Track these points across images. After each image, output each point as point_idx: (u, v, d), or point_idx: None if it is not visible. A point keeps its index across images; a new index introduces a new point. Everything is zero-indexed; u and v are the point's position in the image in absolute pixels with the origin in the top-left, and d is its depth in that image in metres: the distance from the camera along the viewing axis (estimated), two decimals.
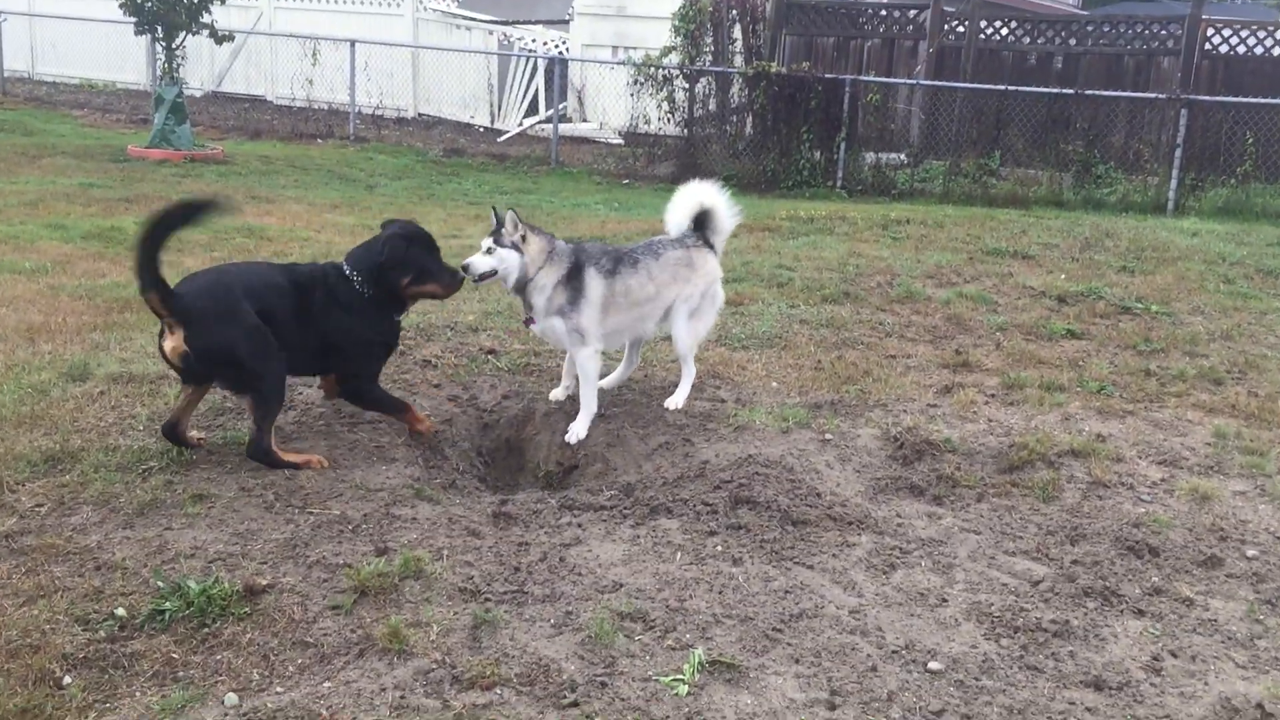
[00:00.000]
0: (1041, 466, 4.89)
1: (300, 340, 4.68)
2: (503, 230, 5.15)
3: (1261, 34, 16.63)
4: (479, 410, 5.46)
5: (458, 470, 4.99)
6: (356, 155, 17.27)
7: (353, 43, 19.33)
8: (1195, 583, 3.91)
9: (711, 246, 5.64)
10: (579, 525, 4.18)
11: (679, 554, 3.96)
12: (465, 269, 5.11)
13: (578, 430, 5.21)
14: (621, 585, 3.71)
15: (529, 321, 5.35)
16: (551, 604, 3.56)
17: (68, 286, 7.42)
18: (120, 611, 3.42)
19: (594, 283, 5.26)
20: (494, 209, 5.20)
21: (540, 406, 5.47)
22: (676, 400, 5.53)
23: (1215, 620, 3.63)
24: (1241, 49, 16.59)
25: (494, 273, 5.14)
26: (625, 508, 4.35)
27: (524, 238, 5.16)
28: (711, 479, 4.58)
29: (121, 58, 22.74)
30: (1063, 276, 8.84)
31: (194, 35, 15.83)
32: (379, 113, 20.94)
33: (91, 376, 5.49)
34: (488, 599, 3.57)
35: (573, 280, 5.24)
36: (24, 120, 18.55)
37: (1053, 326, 7.29)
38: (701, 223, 5.62)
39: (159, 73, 15.54)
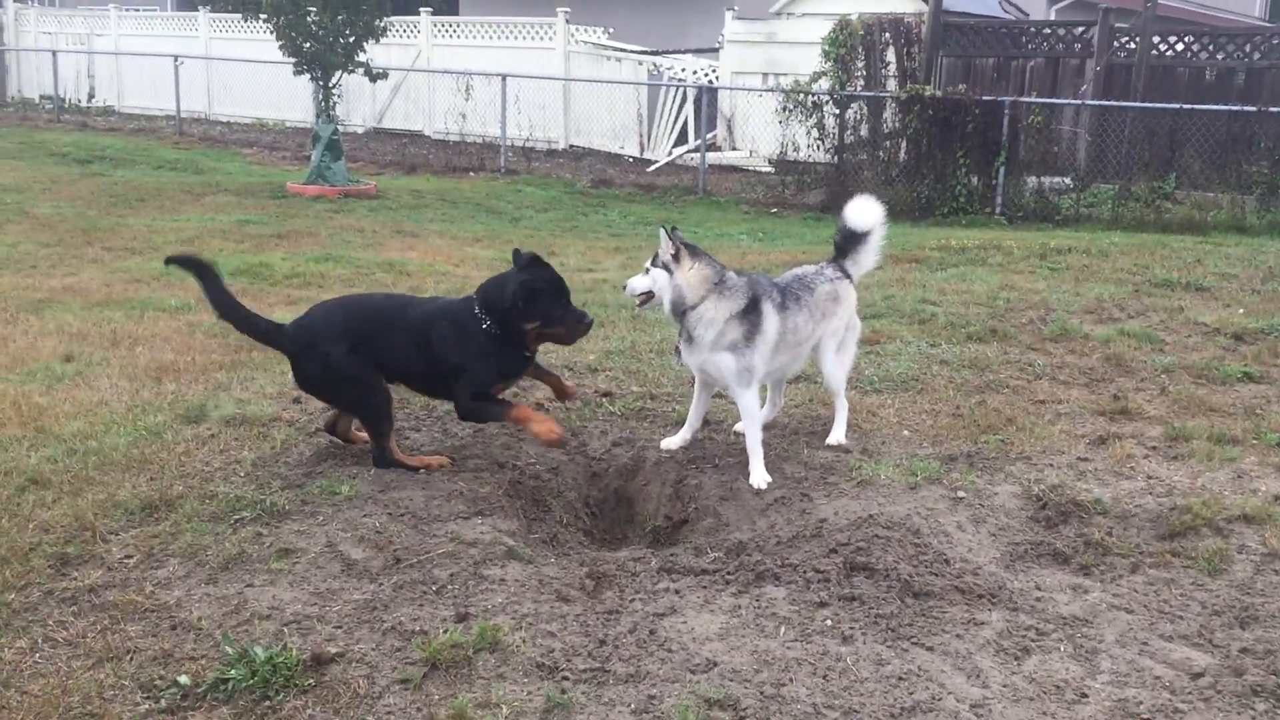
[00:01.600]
0: (1208, 534, 4.32)
1: (420, 367, 4.95)
2: (659, 250, 4.98)
3: None
4: (588, 458, 5.20)
5: (561, 523, 4.74)
6: (505, 188, 17.41)
7: (504, 76, 19.56)
8: None
9: (849, 276, 5.40)
10: (677, 592, 3.85)
11: (783, 628, 3.59)
12: (625, 288, 5.18)
13: (756, 479, 4.86)
14: (715, 664, 3.36)
15: (677, 352, 5.14)
16: (634, 685, 3.24)
17: (205, 324, 7.51)
18: (184, 679, 3.26)
19: (771, 319, 4.98)
20: (662, 228, 5.00)
21: (651, 455, 5.18)
22: (837, 436, 5.32)
23: None
24: None
25: (650, 295, 5.00)
26: (729, 572, 4.01)
27: (676, 258, 4.91)
28: (827, 540, 4.18)
29: (290, 97, 23.64)
30: (1241, 311, 8.07)
31: (350, 74, 16.25)
32: (530, 145, 21.13)
33: (207, 419, 5.46)
34: (565, 677, 3.28)
35: (749, 315, 4.94)
36: (196, 159, 19.40)
37: (1227, 369, 6.59)
38: (846, 248, 5.41)
39: (316, 111, 15.97)
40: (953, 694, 3.23)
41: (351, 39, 15.72)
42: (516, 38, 23.41)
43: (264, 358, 6.59)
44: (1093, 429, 5.57)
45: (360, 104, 24.29)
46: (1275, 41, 16.76)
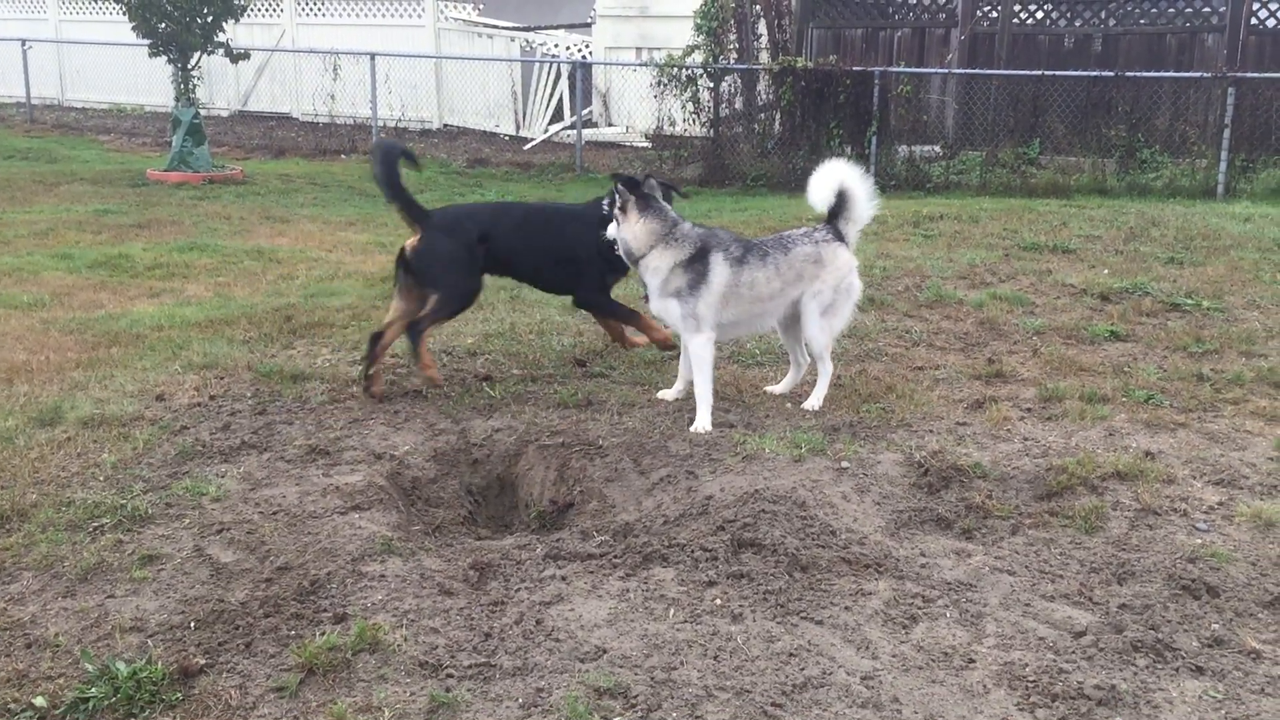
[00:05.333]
0: (1083, 492, 4.41)
1: (547, 262, 5.90)
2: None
3: None
4: (469, 444, 5.07)
5: (443, 513, 4.61)
6: None
7: (372, 55, 19.05)
8: (1262, 629, 3.42)
9: (843, 238, 5.43)
10: (563, 578, 3.76)
11: (672, 610, 3.53)
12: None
13: (700, 424, 5.06)
14: (604, 651, 3.29)
15: (646, 298, 5.41)
16: (522, 678, 3.15)
17: (60, 321, 7.13)
18: (40, 701, 3.06)
19: (718, 270, 5.15)
20: (613, 179, 5.29)
21: (535, 438, 5.07)
22: (814, 402, 5.41)
23: None
24: None
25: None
26: (616, 555, 3.93)
27: (623, 210, 5.19)
28: (714, 518, 4.14)
29: (148, 80, 22.62)
30: (1106, 272, 8.30)
31: (209, 55, 15.63)
32: (402, 125, 20.66)
33: (62, 420, 5.17)
34: (450, 674, 3.16)
35: (695, 264, 5.14)
36: (49, 148, 18.47)
37: (1095, 328, 6.76)
38: (837, 210, 5.43)
39: (175, 95, 15.33)
40: (843, 667, 3.21)
41: (209, 18, 15.09)
42: (385, 15, 22.85)
43: (124, 354, 6.29)
44: (970, 393, 5.64)
45: (223, 86, 23.44)
46: (1129, 8, 17.31)
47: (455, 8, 22.09)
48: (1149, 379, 5.84)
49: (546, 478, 4.88)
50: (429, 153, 18.90)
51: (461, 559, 3.97)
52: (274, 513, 4.21)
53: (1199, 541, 3.97)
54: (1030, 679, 3.14)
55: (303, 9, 23.81)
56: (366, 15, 23.04)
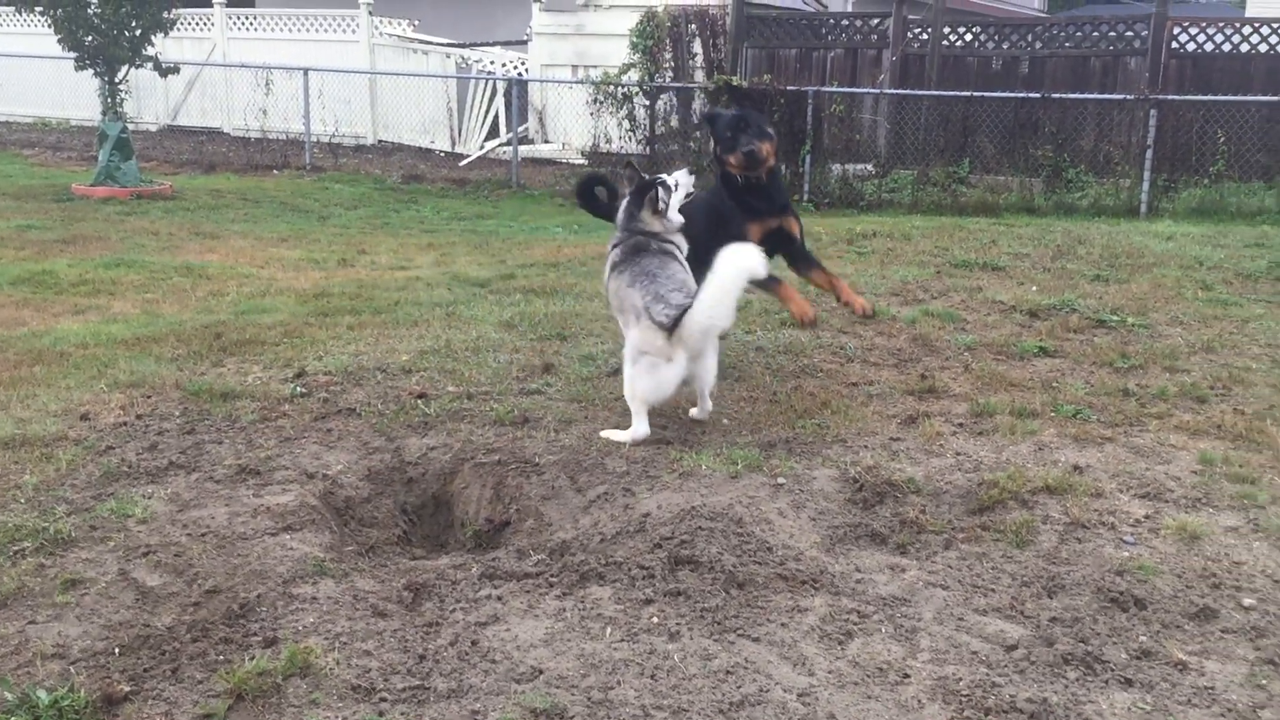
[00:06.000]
0: (1014, 506, 4.47)
1: None
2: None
3: (1229, 30, 16.38)
4: (403, 463, 5.01)
5: (377, 533, 4.55)
6: (311, 185, 16.82)
7: (306, 70, 18.88)
8: (1188, 641, 3.49)
9: None
10: (499, 598, 3.73)
11: (609, 629, 3.51)
12: None
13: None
14: (541, 672, 3.26)
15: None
16: (457, 701, 3.11)
17: None
18: None
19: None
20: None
21: (471, 456, 5.03)
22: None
23: (1212, 688, 3.20)
24: (1209, 46, 16.33)
25: None
26: (553, 574, 3.90)
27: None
28: (651, 535, 4.13)
29: (74, 94, 22.20)
30: (1034, 289, 8.45)
31: (138, 69, 15.38)
32: (336, 140, 20.47)
33: None
34: (383, 698, 3.11)
35: None
36: None
37: (1024, 344, 6.88)
38: None
39: (103, 109, 15.04)
40: (779, 684, 3.21)
41: (138, 31, 14.84)
42: (318, 30, 22.67)
43: (47, 372, 6.14)
44: (903, 409, 5.70)
45: (152, 100, 23.09)
46: (1055, 31, 17.71)
47: (390, 24, 21.98)
48: (1077, 394, 5.95)
49: (482, 496, 4.84)
50: (363, 169, 18.77)
51: (396, 580, 3.92)
52: (202, 534, 4.12)
53: (1126, 554, 4.04)
54: (964, 693, 3.17)
55: (234, 24, 23.55)
56: (299, 30, 22.85)
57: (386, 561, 4.27)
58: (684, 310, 4.94)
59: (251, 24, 23.55)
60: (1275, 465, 4.92)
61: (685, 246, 5.54)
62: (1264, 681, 3.25)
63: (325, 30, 22.55)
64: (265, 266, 9.87)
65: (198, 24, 23.52)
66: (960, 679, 3.24)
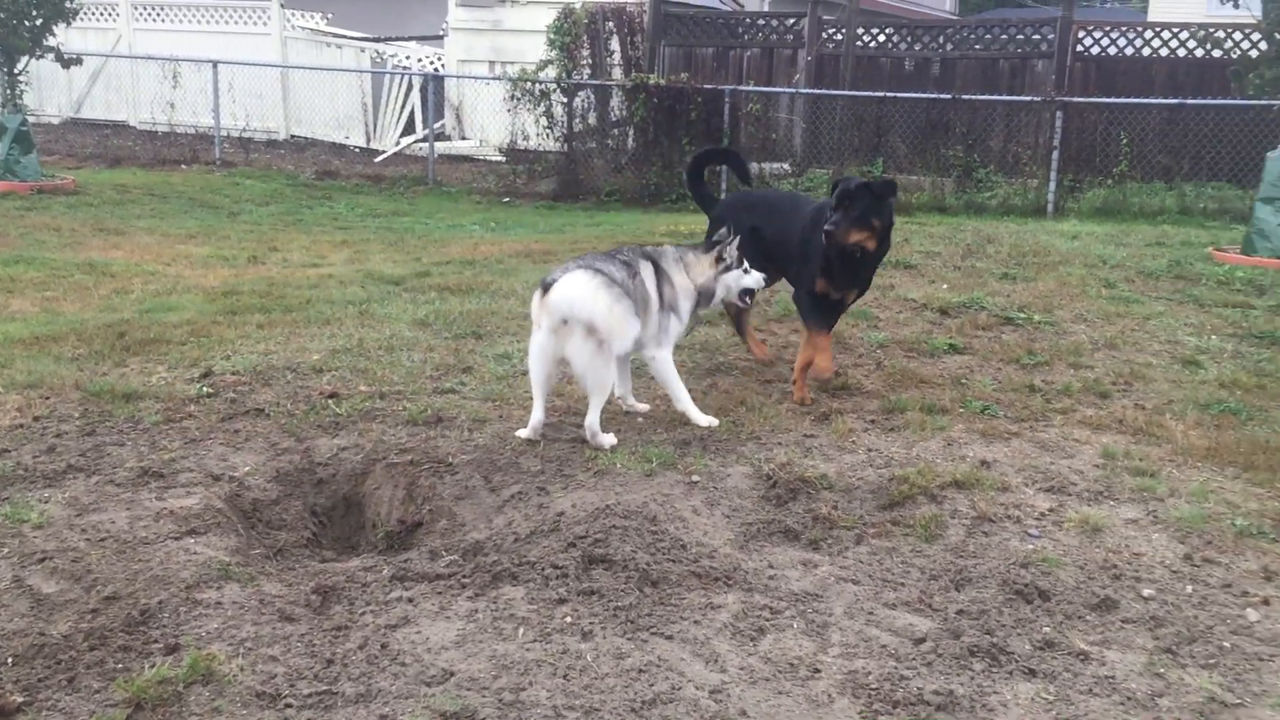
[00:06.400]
0: (924, 501, 4.53)
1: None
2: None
3: (1131, 34, 16.83)
4: (313, 464, 4.92)
5: (285, 535, 4.46)
6: (222, 181, 16.46)
7: (215, 63, 18.46)
8: (1090, 631, 3.57)
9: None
10: (410, 600, 3.68)
11: (521, 630, 3.49)
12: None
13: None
14: (451, 674, 3.22)
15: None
16: (365, 705, 3.06)
17: None
18: None
19: None
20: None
21: (383, 456, 4.96)
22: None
23: (1113, 677, 3.28)
24: (1112, 50, 16.76)
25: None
26: (465, 575, 3.87)
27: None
28: (565, 534, 4.11)
29: None
30: (945, 287, 8.60)
31: (39, 59, 14.93)
32: (247, 135, 20.09)
33: None
34: (289, 704, 3.05)
35: None
36: None
37: (934, 342, 6.99)
38: None
39: (2, 100, 14.55)
40: (692, 681, 3.22)
41: (39, 21, 14.41)
42: (228, 22, 22.21)
43: None
44: (816, 406, 5.76)
45: (54, 92, 22.44)
46: (965, 33, 18.04)
47: (303, 17, 21.61)
48: (985, 390, 6.06)
49: (395, 496, 4.77)
50: (275, 164, 18.44)
51: (304, 583, 3.85)
52: (101, 539, 4.00)
53: (1031, 547, 4.12)
54: (873, 687, 3.20)
55: (140, 14, 22.97)
56: (208, 22, 22.38)
57: (295, 564, 4.19)
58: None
59: (159, 15, 22.99)
60: (1174, 458, 5.06)
61: (686, 319, 5.55)
62: (1162, 670, 3.33)
63: (235, 22, 22.10)
64: (172, 264, 9.64)
65: (102, 14, 22.90)
66: (870, 673, 3.28)
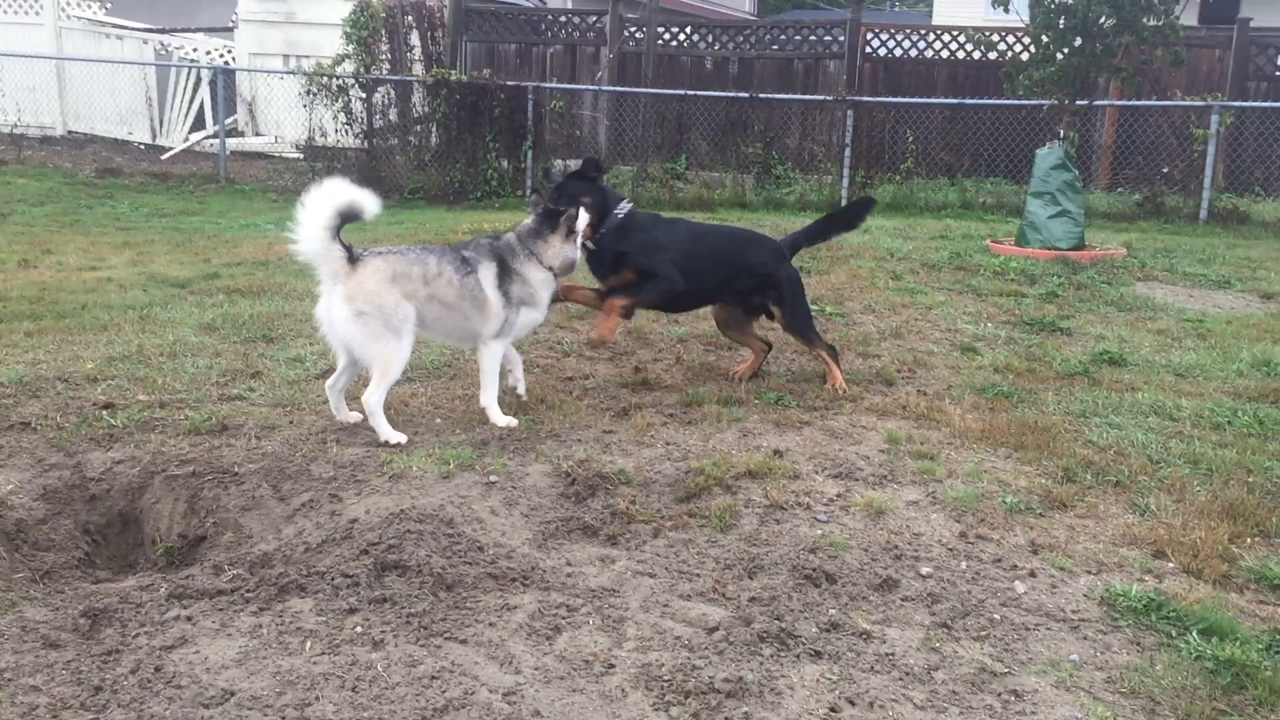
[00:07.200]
0: (719, 492, 4.61)
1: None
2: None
3: (915, 37, 17.61)
4: (85, 479, 4.64)
5: (54, 556, 4.19)
6: None
7: None
8: (872, 611, 3.70)
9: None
10: (189, 619, 3.50)
11: (309, 643, 3.37)
12: None
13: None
14: (232, 694, 3.08)
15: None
16: None
17: None
18: None
19: None
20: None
21: (163, 468, 4.71)
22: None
23: (893, 654, 3.41)
24: (898, 51, 17.51)
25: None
26: (249, 589, 3.71)
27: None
28: (358, 542, 4.00)
29: None
30: None
31: None
32: (19, 131, 18.84)
33: None
34: None
35: None
36: None
37: None
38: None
39: None
40: (485, 685, 3.17)
41: None
42: None
43: None
44: (617, 402, 5.79)
45: None
46: (762, 34, 18.53)
47: (79, 6, 20.41)
48: (778, 381, 6.22)
49: (175, 510, 4.54)
50: (51, 162, 17.37)
51: (72, 606, 3.62)
52: None
53: (819, 532, 4.25)
54: (666, 678, 3.23)
55: None
56: None
57: (64, 587, 3.94)
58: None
59: None
60: (951, 441, 5.31)
61: (545, 308, 5.58)
62: (938, 645, 3.48)
63: (4, 11, 20.68)
64: None
65: None
66: (663, 664, 3.31)
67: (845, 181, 14.80)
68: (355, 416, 5.29)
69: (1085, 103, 11.55)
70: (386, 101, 16.63)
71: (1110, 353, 6.95)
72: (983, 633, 3.57)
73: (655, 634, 3.51)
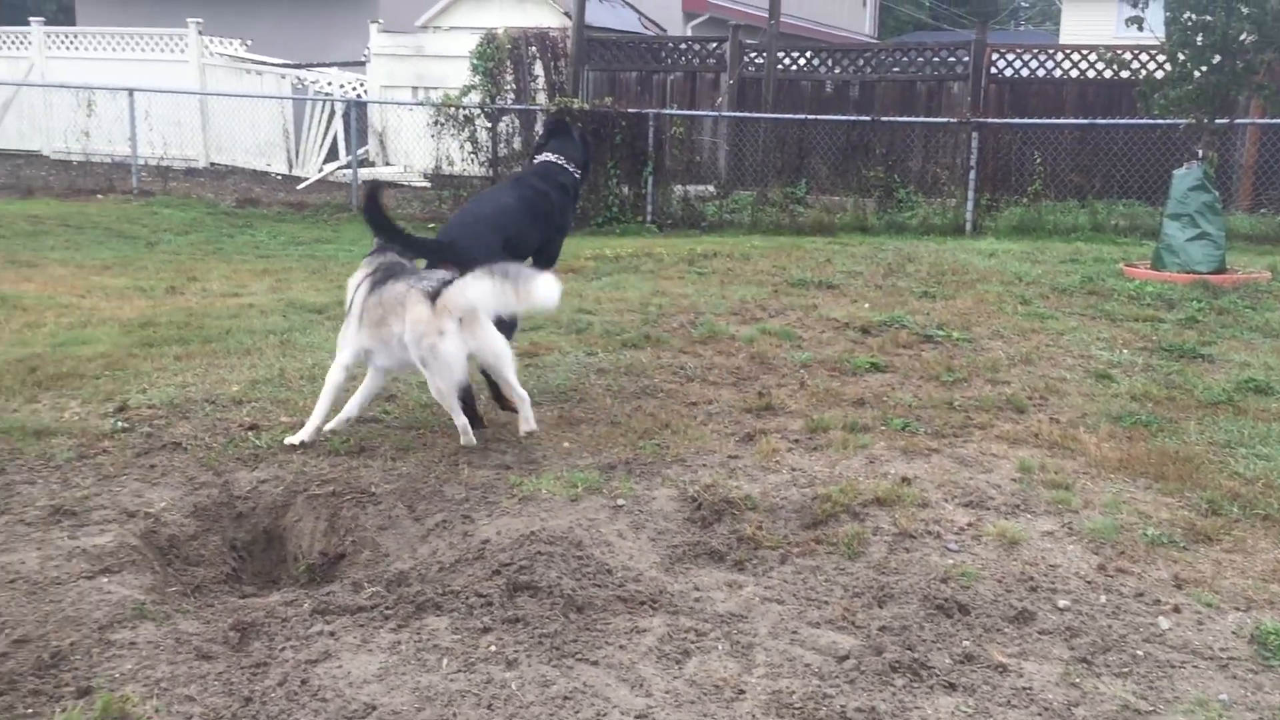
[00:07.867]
0: (846, 519, 4.58)
1: None
2: None
3: (1043, 56, 17.26)
4: (232, 497, 4.84)
5: (203, 571, 4.38)
6: (139, 210, 16.17)
7: (131, 91, 18.17)
8: (1008, 643, 3.63)
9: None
10: (332, 634, 3.63)
11: (445, 660, 3.46)
12: None
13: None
14: (374, 708, 3.18)
15: None
16: None
17: None
18: None
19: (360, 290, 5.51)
20: None
21: (304, 488, 4.89)
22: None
23: (1030, 689, 3.34)
24: (1025, 71, 17.18)
25: None
26: (388, 606, 3.82)
27: None
28: (490, 562, 4.09)
29: None
30: (866, 306, 8.72)
31: None
32: (166, 164, 19.79)
33: None
34: None
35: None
36: None
37: (856, 360, 7.08)
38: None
39: None
40: (617, 707, 3.21)
41: None
42: (144, 49, 21.87)
43: None
44: (741, 427, 5.80)
45: None
46: (883, 57, 18.39)
47: (221, 43, 21.36)
48: (906, 408, 6.16)
49: (316, 529, 4.71)
50: (194, 193, 18.17)
51: (222, 620, 3.78)
52: (11, 581, 3.89)
53: (951, 562, 4.19)
54: (797, 706, 3.23)
55: (54, 42, 22.55)
56: (124, 50, 22.01)
57: (213, 601, 4.11)
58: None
59: (72, 43, 22.58)
60: (1087, 471, 5.18)
61: None
62: (1078, 680, 3.40)
63: (152, 50, 21.77)
64: (87, 295, 9.43)
65: (14, 42, 22.45)
66: (794, 692, 3.30)
67: (970, 204, 14.56)
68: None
69: (1225, 121, 11.18)
70: (510, 130, 17.00)
71: (1256, 380, 6.69)
72: (1125, 669, 3.47)
73: (785, 661, 3.51)
